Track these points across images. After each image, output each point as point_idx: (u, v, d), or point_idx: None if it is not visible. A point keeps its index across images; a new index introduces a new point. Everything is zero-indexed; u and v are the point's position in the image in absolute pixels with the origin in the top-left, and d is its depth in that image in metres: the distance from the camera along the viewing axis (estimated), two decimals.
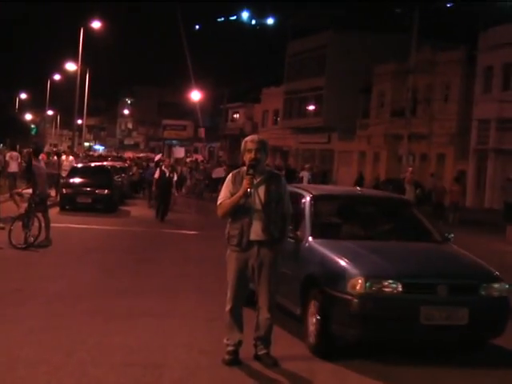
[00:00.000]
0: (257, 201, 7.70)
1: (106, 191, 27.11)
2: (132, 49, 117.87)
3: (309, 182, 36.72)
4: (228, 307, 7.83)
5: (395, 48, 52.91)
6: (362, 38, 59.13)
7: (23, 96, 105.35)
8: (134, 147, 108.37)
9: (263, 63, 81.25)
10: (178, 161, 49.11)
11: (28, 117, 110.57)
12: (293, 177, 50.14)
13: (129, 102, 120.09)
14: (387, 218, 10.60)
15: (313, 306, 8.45)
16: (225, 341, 7.85)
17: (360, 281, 7.90)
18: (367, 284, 7.88)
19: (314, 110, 66.59)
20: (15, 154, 33.15)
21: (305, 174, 38.92)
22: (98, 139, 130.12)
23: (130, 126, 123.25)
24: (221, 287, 11.01)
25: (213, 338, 8.57)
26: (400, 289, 7.95)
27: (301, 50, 67.25)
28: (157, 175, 25.60)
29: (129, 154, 75.02)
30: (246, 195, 7.62)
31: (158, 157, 34.05)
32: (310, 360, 8.11)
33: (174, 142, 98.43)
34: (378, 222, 10.40)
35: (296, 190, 10.33)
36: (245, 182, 7.62)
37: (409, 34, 43.71)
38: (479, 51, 45.10)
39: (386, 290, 7.95)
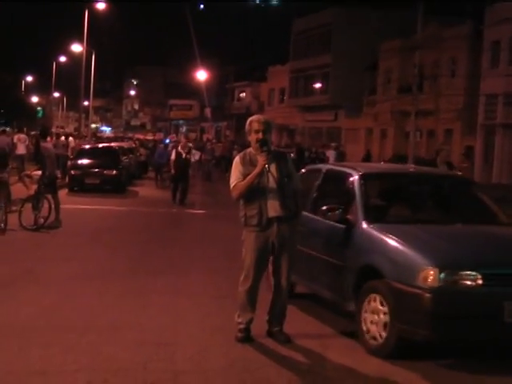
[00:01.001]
0: (270, 179, 7.68)
1: (114, 172, 27.15)
2: (137, 29, 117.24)
3: (335, 161, 36.23)
4: (245, 287, 7.79)
5: (401, 24, 52.61)
6: (367, 15, 58.86)
7: (29, 79, 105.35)
8: (141, 128, 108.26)
9: (269, 41, 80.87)
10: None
11: (34, 99, 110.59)
12: (302, 155, 49.95)
13: (135, 82, 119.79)
14: (447, 198, 9.52)
15: (372, 302, 7.53)
16: (236, 318, 7.87)
17: (433, 272, 6.95)
18: (441, 276, 6.92)
19: (321, 87, 66.34)
20: (23, 136, 33.21)
21: (331, 153, 37.93)
22: (104, 120, 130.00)
23: (136, 106, 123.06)
24: (230, 265, 11.10)
25: (224, 316, 8.58)
26: (480, 281, 6.98)
27: (306, 27, 66.90)
28: (173, 157, 24.49)
29: (139, 136, 74.99)
30: (264, 172, 7.61)
31: (171, 138, 31.98)
32: (322, 336, 8.13)
33: (181, 122, 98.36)
34: (438, 204, 9.42)
35: (340, 168, 9.62)
36: (260, 160, 7.61)
37: (415, 9, 43.43)
38: (486, 26, 44.74)
39: (464, 282, 6.99)
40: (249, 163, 7.74)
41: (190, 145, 29.16)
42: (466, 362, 7.50)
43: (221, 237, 15.83)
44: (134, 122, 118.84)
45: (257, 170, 7.63)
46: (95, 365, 6.72)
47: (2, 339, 7.51)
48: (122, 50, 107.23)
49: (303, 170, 10.52)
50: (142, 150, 41.45)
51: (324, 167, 9.95)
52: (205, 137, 71.43)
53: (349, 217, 8.28)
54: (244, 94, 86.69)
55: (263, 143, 7.70)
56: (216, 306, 9.38)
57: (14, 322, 8.20)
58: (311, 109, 67.10)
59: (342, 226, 8.29)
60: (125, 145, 39.63)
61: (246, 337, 7.72)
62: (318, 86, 66.92)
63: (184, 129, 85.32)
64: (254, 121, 7.88)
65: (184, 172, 24.06)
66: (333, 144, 42.42)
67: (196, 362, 6.98)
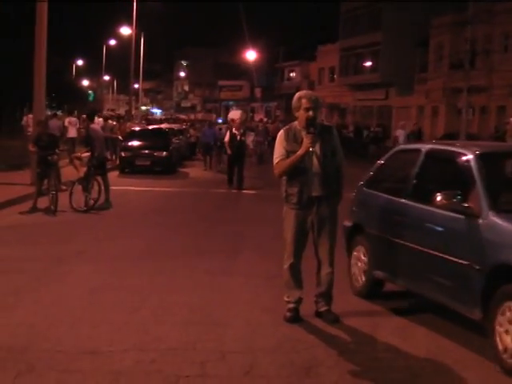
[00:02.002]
0: (313, 157, 7.58)
1: (165, 153, 27.27)
2: (186, 10, 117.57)
3: (405, 141, 35.33)
4: (287, 264, 7.77)
5: None
6: None
7: (79, 63, 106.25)
8: (191, 109, 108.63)
9: (318, 20, 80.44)
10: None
11: (85, 83, 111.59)
12: (361, 135, 49.25)
13: (184, 64, 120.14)
14: None
15: (508, 312, 6.26)
16: (285, 298, 7.82)
17: None
18: None
19: (371, 66, 65.76)
20: (74, 119, 33.59)
21: (400, 133, 36.23)
22: (154, 102, 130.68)
23: (186, 88, 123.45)
24: (279, 246, 11.01)
25: (274, 296, 8.54)
26: None
27: (355, 5, 66.32)
28: (227, 138, 23.51)
29: (183, 117, 75.19)
30: (308, 154, 7.51)
31: (233, 115, 27.49)
32: (371, 315, 8.04)
33: (231, 102, 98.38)
34: None
35: (446, 148, 8.27)
36: (306, 141, 7.50)
37: None
38: None
39: None
40: (293, 139, 7.63)
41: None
42: None
43: (270, 217, 15.71)
44: (185, 104, 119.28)
45: (301, 152, 7.51)
46: (143, 344, 6.72)
47: (54, 317, 7.57)
48: (172, 31, 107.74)
49: (393, 151, 9.44)
50: (192, 131, 41.52)
51: (424, 147, 8.49)
52: (256, 117, 71.09)
53: (469, 205, 6.91)
54: (294, 73, 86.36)
55: (311, 123, 7.59)
56: (265, 286, 9.33)
57: (65, 301, 8.27)
58: (362, 87, 66.57)
59: (459, 216, 6.98)
60: (175, 126, 39.76)
61: (295, 317, 7.66)
62: (368, 64, 66.34)
63: (239, 112, 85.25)
64: (303, 97, 7.74)
65: (239, 154, 22.99)
66: (401, 122, 40.24)
67: (244, 342, 6.94)
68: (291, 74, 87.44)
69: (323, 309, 7.78)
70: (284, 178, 7.74)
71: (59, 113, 42.36)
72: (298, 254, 7.76)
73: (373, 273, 8.51)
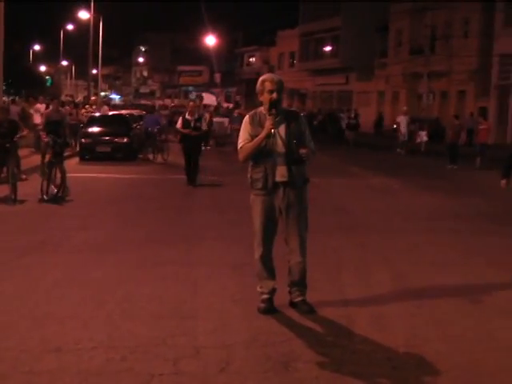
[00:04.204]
0: (278, 141, 7.33)
1: (125, 139, 26.87)
2: None
3: (407, 127, 34.83)
4: (258, 254, 7.51)
5: None
6: None
7: (37, 47, 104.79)
8: (150, 95, 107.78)
9: (277, 5, 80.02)
10: (206, 108, 43.26)
11: (42, 68, 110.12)
12: (335, 120, 48.49)
13: (143, 49, 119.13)
14: None
15: None
16: (258, 289, 7.57)
17: None
18: None
19: (331, 50, 65.80)
20: (41, 105, 32.87)
21: (401, 119, 35.63)
22: (113, 88, 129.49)
23: (145, 73, 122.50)
24: (243, 233, 10.79)
25: (242, 285, 8.34)
26: None
27: None
28: (179, 125, 19.96)
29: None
30: (269, 136, 7.27)
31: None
32: (346, 305, 7.82)
33: (190, 88, 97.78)
34: None
35: None
36: (268, 123, 7.27)
37: None
38: None
39: None
40: (258, 124, 7.39)
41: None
42: None
43: (235, 203, 15.50)
44: (144, 90, 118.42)
45: (262, 134, 7.28)
46: (112, 341, 6.41)
47: (16, 313, 7.23)
48: (130, 16, 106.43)
49: None
50: None
51: None
52: (223, 103, 70.22)
53: None
54: (253, 58, 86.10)
55: (274, 104, 7.35)
56: (233, 275, 9.08)
57: (27, 296, 7.92)
58: (322, 72, 66.50)
59: None
60: (135, 112, 39.25)
61: (269, 308, 7.41)
62: (328, 49, 66.38)
63: (193, 95, 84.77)
64: (266, 80, 7.49)
65: (194, 144, 19.72)
66: (404, 108, 39.39)
67: (217, 336, 6.67)
68: (251, 59, 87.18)
69: (297, 299, 7.53)
70: (250, 163, 7.50)
71: (17, 99, 41.54)
72: (268, 243, 7.50)
73: None
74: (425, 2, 46.12)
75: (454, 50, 48.83)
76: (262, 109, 7.52)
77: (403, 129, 34.93)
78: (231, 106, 63.69)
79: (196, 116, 19.89)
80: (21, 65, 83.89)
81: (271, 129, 7.24)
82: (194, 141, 19.53)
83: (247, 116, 7.63)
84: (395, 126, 37.63)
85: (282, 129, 7.37)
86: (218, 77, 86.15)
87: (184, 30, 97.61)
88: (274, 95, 7.37)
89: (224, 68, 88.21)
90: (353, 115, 43.54)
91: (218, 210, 15.13)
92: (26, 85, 77.24)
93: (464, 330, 7.10)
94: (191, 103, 21.53)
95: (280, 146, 7.33)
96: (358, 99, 62.72)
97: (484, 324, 7.32)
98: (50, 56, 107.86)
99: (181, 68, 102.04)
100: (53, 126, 15.98)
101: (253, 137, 7.38)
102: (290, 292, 7.61)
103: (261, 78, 7.60)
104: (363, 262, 10.18)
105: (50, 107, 25.39)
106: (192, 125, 19.50)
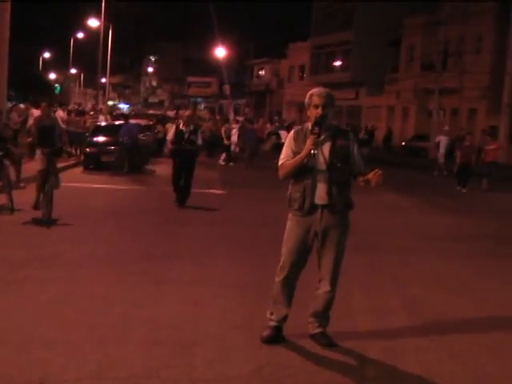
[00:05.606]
0: (321, 160, 6.78)
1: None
2: (156, 4, 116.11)
3: (447, 148, 32.36)
4: (281, 276, 6.94)
5: None
6: None
7: (46, 55, 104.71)
8: (159, 105, 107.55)
9: (289, 18, 79.83)
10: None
11: (52, 76, 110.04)
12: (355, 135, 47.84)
13: (153, 59, 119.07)
14: None
15: None
16: (268, 315, 7.01)
17: None
18: None
19: (342, 64, 65.35)
20: (36, 111, 32.46)
21: (442, 139, 33.05)
22: (122, 97, 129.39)
23: (154, 83, 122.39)
24: (250, 251, 10.25)
25: (246, 309, 7.87)
26: None
27: (328, 3, 65.76)
28: (170, 136, 17.79)
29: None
30: (310, 156, 6.73)
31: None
32: (359, 338, 7.23)
33: (199, 99, 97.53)
34: None
35: None
36: (308, 142, 6.71)
37: None
38: None
39: None
40: (302, 140, 6.84)
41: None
42: None
43: (239, 218, 14.97)
44: (152, 99, 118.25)
45: (302, 154, 6.75)
46: (101, 371, 5.85)
47: (0, 336, 6.69)
48: (141, 25, 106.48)
49: None
50: (159, 127, 40.50)
51: None
52: (231, 115, 69.48)
53: None
54: (263, 71, 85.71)
55: (319, 122, 6.78)
56: (237, 296, 8.56)
57: (15, 315, 7.37)
58: (332, 86, 65.54)
59: None
60: (142, 122, 38.74)
61: (275, 336, 6.86)
62: (339, 63, 65.89)
63: (202, 106, 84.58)
64: (314, 94, 6.96)
65: (187, 160, 17.28)
66: (446, 127, 36.37)
67: (217, 367, 6.12)
68: (261, 72, 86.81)
69: (316, 331, 6.96)
70: (291, 180, 6.97)
71: (21, 105, 41.16)
72: (295, 268, 6.93)
73: None
74: (438, 16, 45.60)
75: (465, 67, 48.33)
76: (308, 124, 6.99)
77: (442, 149, 33.12)
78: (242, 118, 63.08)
79: (191, 127, 17.33)
80: (30, 71, 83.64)
81: (311, 149, 6.71)
82: (187, 156, 17.16)
83: (292, 131, 7.15)
84: (432, 145, 35.73)
85: (326, 147, 6.83)
86: (227, 88, 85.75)
87: (194, 40, 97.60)
88: (319, 110, 6.84)
89: (234, 80, 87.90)
90: (369, 129, 42.80)
91: (221, 225, 14.58)
92: (35, 91, 76.93)
93: (483, 364, 6.57)
94: (187, 112, 19.67)
95: (321, 165, 6.80)
96: (368, 114, 62.25)
97: (506, 358, 6.77)
98: (59, 64, 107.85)
99: (190, 79, 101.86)
100: (45, 132, 15.19)
101: (295, 153, 6.87)
102: (309, 322, 7.06)
103: (310, 92, 7.08)
104: (374, 285, 9.65)
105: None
106: (186, 137, 17.10)
